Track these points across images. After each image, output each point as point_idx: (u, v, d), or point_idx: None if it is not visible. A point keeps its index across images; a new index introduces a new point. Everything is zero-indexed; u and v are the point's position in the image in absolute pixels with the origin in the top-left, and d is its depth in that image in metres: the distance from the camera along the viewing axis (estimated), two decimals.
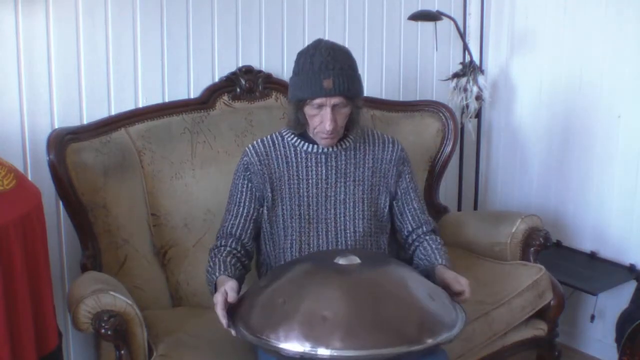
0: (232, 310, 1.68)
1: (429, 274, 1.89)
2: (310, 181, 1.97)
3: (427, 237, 2.03)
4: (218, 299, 1.66)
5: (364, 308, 1.55)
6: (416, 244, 2.04)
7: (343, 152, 1.98)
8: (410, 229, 2.06)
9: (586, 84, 2.91)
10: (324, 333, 1.50)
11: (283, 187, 1.96)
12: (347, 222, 1.98)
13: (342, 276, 1.64)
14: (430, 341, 1.54)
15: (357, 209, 1.99)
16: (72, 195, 2.07)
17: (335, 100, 1.84)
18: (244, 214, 1.98)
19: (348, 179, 1.99)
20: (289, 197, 1.96)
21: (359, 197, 1.99)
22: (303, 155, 1.97)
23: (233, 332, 1.63)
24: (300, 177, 1.97)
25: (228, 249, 1.93)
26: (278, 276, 1.72)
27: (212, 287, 1.83)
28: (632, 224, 2.81)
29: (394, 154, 2.05)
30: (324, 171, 1.97)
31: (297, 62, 1.91)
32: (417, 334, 1.54)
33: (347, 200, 1.99)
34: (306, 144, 1.97)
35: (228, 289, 1.68)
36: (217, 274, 1.82)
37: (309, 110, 1.88)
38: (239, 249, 1.94)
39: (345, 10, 2.86)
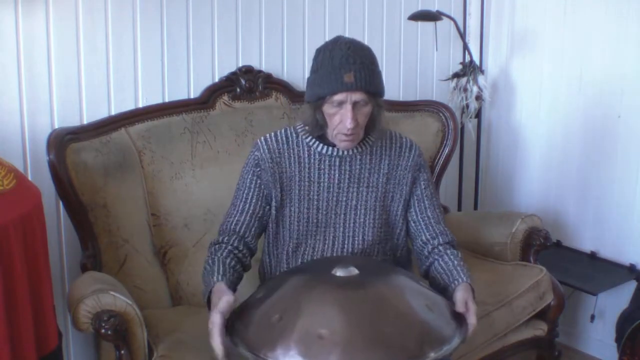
0: (230, 322, 1.67)
1: (447, 290, 1.81)
2: (322, 184, 1.90)
3: (448, 252, 1.91)
4: (215, 322, 1.58)
5: (361, 325, 1.52)
6: (435, 256, 1.91)
7: (358, 157, 1.90)
8: (424, 239, 1.95)
9: (586, 84, 2.91)
10: (321, 352, 1.47)
11: (293, 187, 1.90)
12: (356, 229, 1.92)
13: (340, 290, 1.60)
14: (431, 355, 1.52)
15: (367, 217, 1.93)
16: (72, 195, 2.07)
17: (356, 96, 1.74)
18: (249, 211, 1.90)
19: (361, 185, 1.92)
20: (298, 199, 1.90)
21: (371, 205, 1.92)
22: (317, 156, 1.89)
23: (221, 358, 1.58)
24: (312, 179, 1.90)
25: (229, 247, 1.85)
26: (275, 288, 1.69)
27: (206, 289, 1.75)
28: (632, 224, 2.81)
29: (410, 160, 1.95)
30: (337, 175, 1.90)
31: (315, 59, 1.81)
32: (416, 349, 1.51)
33: (359, 207, 1.92)
34: (321, 144, 1.89)
35: (224, 306, 1.61)
36: (215, 277, 1.74)
37: (328, 108, 1.78)
38: (240, 247, 1.87)
39: (345, 10, 2.86)
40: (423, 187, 1.97)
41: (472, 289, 1.80)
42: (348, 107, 1.75)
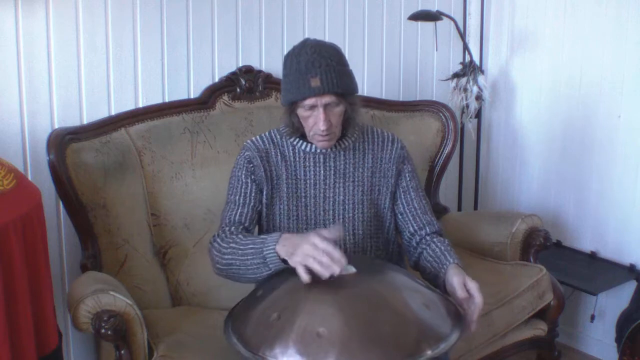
0: (227, 320, 1.67)
1: (438, 275, 1.83)
2: (308, 182, 1.93)
3: (435, 239, 1.93)
4: (323, 234, 1.60)
5: (358, 323, 1.52)
6: (422, 246, 1.94)
7: (342, 153, 1.94)
8: (412, 230, 1.97)
9: (586, 84, 2.91)
10: (318, 351, 1.48)
11: (281, 186, 1.93)
12: (347, 224, 1.95)
13: (337, 289, 1.61)
14: (428, 353, 1.52)
15: (356, 211, 1.95)
16: (72, 195, 2.07)
17: (325, 99, 1.77)
18: (250, 204, 1.90)
19: (347, 180, 1.95)
20: (286, 197, 1.93)
21: (359, 199, 1.96)
22: (301, 154, 1.93)
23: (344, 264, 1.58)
24: (299, 177, 1.93)
25: (240, 232, 1.83)
26: (274, 287, 1.69)
27: (267, 245, 1.67)
28: (632, 224, 2.81)
29: (394, 152, 1.99)
30: (322, 172, 1.94)
31: (284, 64, 1.85)
32: (413, 348, 1.51)
33: (347, 202, 1.95)
34: (304, 143, 1.93)
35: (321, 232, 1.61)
36: (269, 236, 1.70)
37: (301, 112, 1.82)
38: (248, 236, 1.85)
39: (345, 10, 2.86)
40: (408, 178, 2.00)
41: (462, 267, 1.81)
42: (320, 110, 1.79)
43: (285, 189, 1.93)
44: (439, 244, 1.92)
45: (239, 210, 1.89)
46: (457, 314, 1.69)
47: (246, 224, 1.88)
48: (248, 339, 1.57)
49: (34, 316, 1.65)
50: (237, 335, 1.61)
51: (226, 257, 1.78)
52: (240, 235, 1.80)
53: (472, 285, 1.72)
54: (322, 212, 1.94)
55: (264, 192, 1.92)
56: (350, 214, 1.95)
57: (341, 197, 1.95)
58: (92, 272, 2.06)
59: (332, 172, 1.94)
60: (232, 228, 1.86)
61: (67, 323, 2.24)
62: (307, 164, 1.93)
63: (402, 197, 2.00)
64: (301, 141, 1.93)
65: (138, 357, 1.87)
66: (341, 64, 1.82)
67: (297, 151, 1.94)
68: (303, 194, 1.93)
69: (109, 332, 1.76)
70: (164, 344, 1.91)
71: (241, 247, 1.76)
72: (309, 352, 1.48)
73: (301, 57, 1.78)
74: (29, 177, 2.15)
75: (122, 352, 1.83)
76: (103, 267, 2.13)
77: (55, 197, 2.18)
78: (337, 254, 1.58)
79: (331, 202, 1.94)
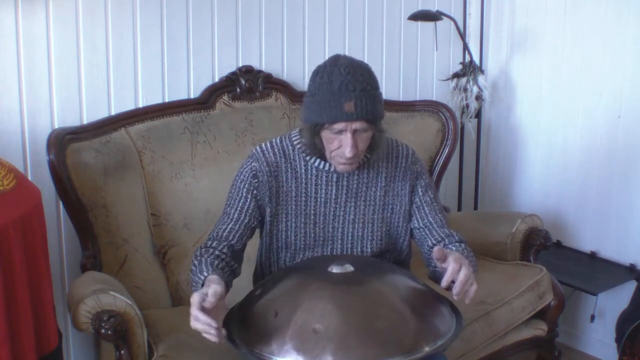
0: (226, 319, 1.67)
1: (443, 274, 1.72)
2: (318, 200, 1.86)
3: (451, 245, 1.86)
4: (195, 299, 1.49)
5: (355, 320, 1.52)
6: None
7: (356, 172, 1.85)
8: (430, 244, 1.90)
9: (586, 84, 2.91)
10: (315, 347, 1.48)
11: (289, 202, 1.86)
12: (354, 242, 1.90)
13: (335, 286, 1.61)
14: (426, 349, 1.52)
15: (366, 230, 1.89)
16: (72, 195, 2.07)
17: (356, 125, 1.68)
18: (244, 222, 1.84)
19: (359, 200, 1.88)
20: (294, 214, 1.86)
21: (369, 218, 1.89)
22: (314, 171, 1.85)
23: (219, 336, 1.51)
24: (309, 194, 1.86)
25: (217, 252, 1.77)
26: (271, 286, 1.69)
27: (195, 287, 1.65)
28: (632, 224, 2.81)
29: (408, 170, 1.91)
30: (334, 190, 1.86)
31: (313, 80, 1.73)
32: (411, 343, 1.51)
33: (357, 221, 1.89)
34: (317, 160, 1.83)
35: (210, 292, 1.51)
36: (204, 273, 1.66)
37: (326, 134, 1.72)
38: (229, 253, 1.80)
39: (345, 10, 2.86)
40: (421, 193, 1.93)
41: (470, 262, 1.71)
42: (348, 135, 1.69)
43: (293, 206, 1.87)
44: (452, 247, 1.85)
45: (230, 226, 1.84)
46: (455, 312, 1.70)
47: (233, 241, 1.83)
48: (245, 337, 1.58)
49: (34, 316, 1.65)
50: (234, 333, 1.61)
51: (190, 274, 1.77)
52: (194, 262, 1.74)
53: (451, 257, 1.62)
54: (331, 230, 1.89)
55: (268, 210, 1.86)
56: (360, 233, 1.90)
57: (351, 216, 1.89)
58: (92, 272, 2.06)
59: (345, 191, 1.87)
60: (215, 243, 1.80)
61: (67, 323, 2.24)
62: (319, 182, 1.86)
63: (417, 213, 1.93)
64: (314, 158, 1.84)
65: (138, 357, 1.87)
66: (375, 88, 1.72)
67: (309, 168, 1.85)
68: (312, 212, 1.87)
69: (109, 332, 1.76)
70: (164, 344, 1.91)
71: (190, 273, 1.74)
72: (305, 348, 1.49)
73: (334, 77, 1.68)
74: (29, 177, 2.15)
75: (122, 352, 1.83)
76: (103, 267, 2.13)
77: (55, 197, 2.18)
78: (203, 320, 1.48)
79: (341, 221, 1.89)
